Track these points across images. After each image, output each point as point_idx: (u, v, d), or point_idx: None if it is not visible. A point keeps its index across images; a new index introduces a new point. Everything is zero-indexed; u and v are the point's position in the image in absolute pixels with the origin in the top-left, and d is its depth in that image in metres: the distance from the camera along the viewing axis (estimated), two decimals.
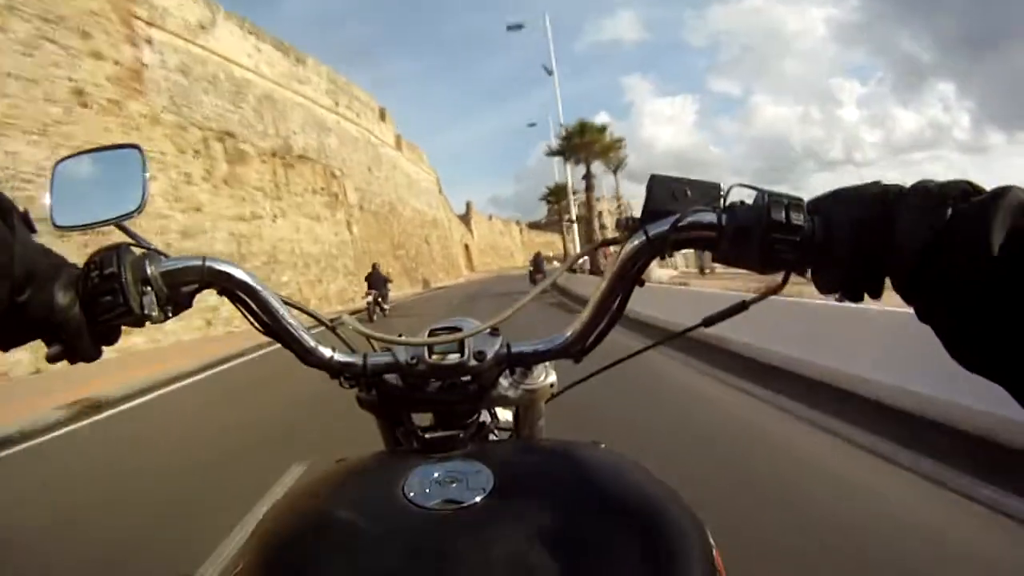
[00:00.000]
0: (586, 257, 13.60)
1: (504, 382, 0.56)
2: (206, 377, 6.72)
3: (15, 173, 7.85)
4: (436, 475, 0.42)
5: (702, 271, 19.48)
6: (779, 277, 0.45)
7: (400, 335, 0.53)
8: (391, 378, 0.53)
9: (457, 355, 0.51)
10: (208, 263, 0.48)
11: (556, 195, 32.13)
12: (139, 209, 0.52)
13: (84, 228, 0.53)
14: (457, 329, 0.52)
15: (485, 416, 0.60)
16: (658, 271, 17.68)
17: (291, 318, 0.53)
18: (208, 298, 0.51)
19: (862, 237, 0.37)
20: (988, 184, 0.33)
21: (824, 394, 3.54)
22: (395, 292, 14.23)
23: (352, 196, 21.56)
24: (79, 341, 0.42)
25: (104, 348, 0.44)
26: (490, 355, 0.52)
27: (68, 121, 8.96)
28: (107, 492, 2.98)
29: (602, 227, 24.83)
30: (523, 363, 0.55)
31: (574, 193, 24.81)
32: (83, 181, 0.56)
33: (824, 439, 2.84)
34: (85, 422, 4.71)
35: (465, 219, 52.24)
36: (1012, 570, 1.65)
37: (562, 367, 0.58)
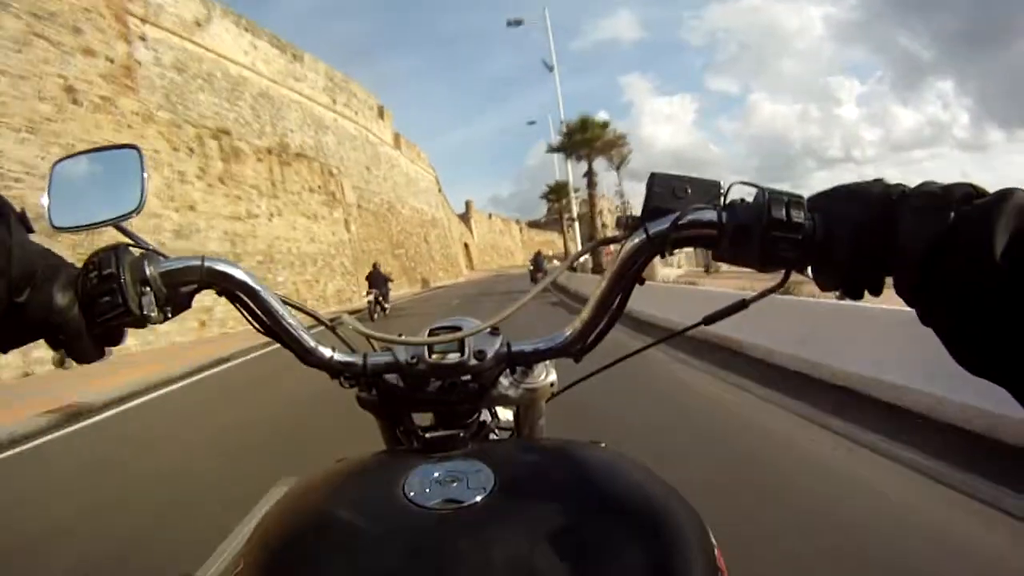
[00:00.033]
0: (588, 255, 13.56)
1: (504, 381, 0.56)
2: (191, 383, 6.44)
3: (3, 172, 7.74)
4: (436, 475, 0.42)
5: (707, 270, 19.42)
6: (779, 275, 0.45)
7: (400, 335, 0.53)
8: (391, 378, 0.53)
9: (457, 354, 0.51)
10: (207, 263, 0.48)
11: (556, 193, 31.95)
12: (137, 209, 0.51)
13: (82, 229, 0.52)
14: (457, 328, 0.52)
15: (485, 415, 0.60)
16: (664, 270, 17.63)
17: (291, 318, 0.53)
18: (202, 299, 0.51)
19: (863, 237, 0.37)
20: (990, 184, 0.33)
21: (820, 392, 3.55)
22: (393, 292, 14.16)
23: (350, 195, 21.48)
24: (78, 342, 0.42)
25: (111, 349, 0.45)
26: (490, 354, 0.52)
27: (59, 119, 8.84)
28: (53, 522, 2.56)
29: (603, 225, 24.64)
30: (523, 362, 0.55)
31: (575, 191, 24.72)
32: (81, 181, 0.56)
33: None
34: (57, 434, 4.36)
35: (465, 218, 52.22)
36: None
37: (562, 366, 0.58)
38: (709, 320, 0.52)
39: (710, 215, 0.43)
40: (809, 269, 0.41)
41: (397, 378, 0.53)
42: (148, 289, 0.44)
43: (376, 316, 12.44)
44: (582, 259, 14.25)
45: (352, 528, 0.40)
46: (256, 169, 14.96)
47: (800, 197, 0.41)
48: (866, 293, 0.39)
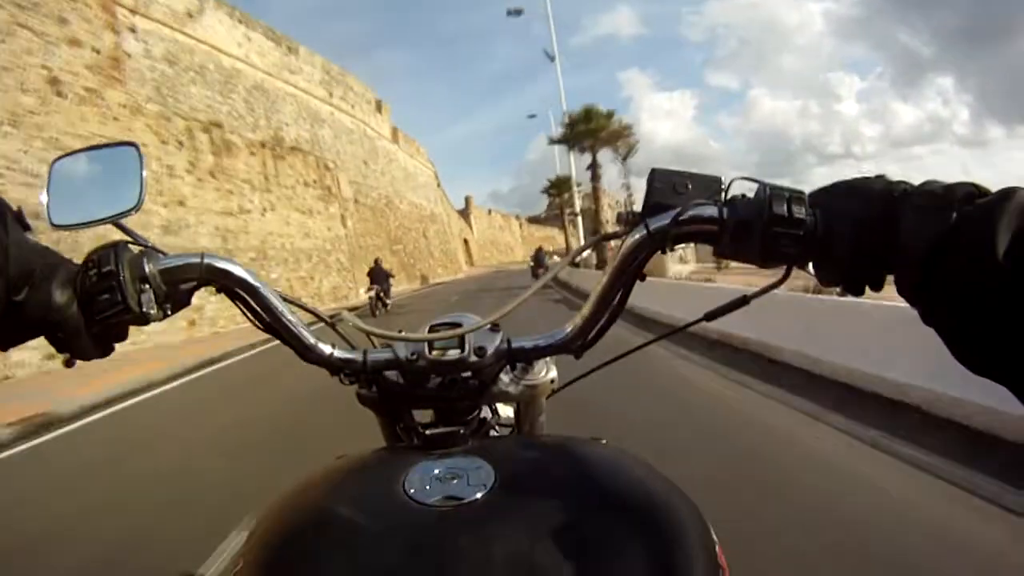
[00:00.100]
0: (592, 251, 13.42)
1: (505, 378, 0.55)
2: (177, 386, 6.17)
3: None
4: (437, 471, 0.42)
5: (719, 266, 19.18)
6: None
7: (400, 331, 0.53)
8: (391, 374, 0.53)
9: (457, 351, 0.51)
10: (207, 260, 0.48)
11: (558, 187, 31.38)
12: (136, 207, 0.51)
13: (81, 227, 0.52)
14: (457, 325, 0.52)
15: (486, 412, 0.60)
16: (675, 267, 17.45)
17: (290, 315, 0.53)
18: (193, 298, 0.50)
19: (864, 234, 0.37)
20: (991, 181, 0.33)
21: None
22: (392, 288, 14.10)
23: (346, 189, 21.27)
24: (78, 340, 0.42)
25: (115, 346, 0.46)
26: (490, 351, 0.52)
27: (42, 111, 8.56)
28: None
29: (607, 220, 24.18)
30: (524, 359, 0.55)
31: (578, 185, 24.28)
32: (80, 179, 0.56)
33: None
34: (23, 447, 4.04)
35: (464, 214, 52.10)
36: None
37: (563, 362, 0.58)
38: (710, 316, 0.52)
39: (711, 211, 0.43)
40: (810, 265, 0.41)
41: (397, 375, 0.53)
42: (147, 287, 0.44)
43: (378, 312, 12.47)
44: (585, 255, 14.20)
45: (352, 525, 0.40)
46: (249, 163, 14.68)
47: (801, 193, 0.41)
48: (867, 289, 0.39)
